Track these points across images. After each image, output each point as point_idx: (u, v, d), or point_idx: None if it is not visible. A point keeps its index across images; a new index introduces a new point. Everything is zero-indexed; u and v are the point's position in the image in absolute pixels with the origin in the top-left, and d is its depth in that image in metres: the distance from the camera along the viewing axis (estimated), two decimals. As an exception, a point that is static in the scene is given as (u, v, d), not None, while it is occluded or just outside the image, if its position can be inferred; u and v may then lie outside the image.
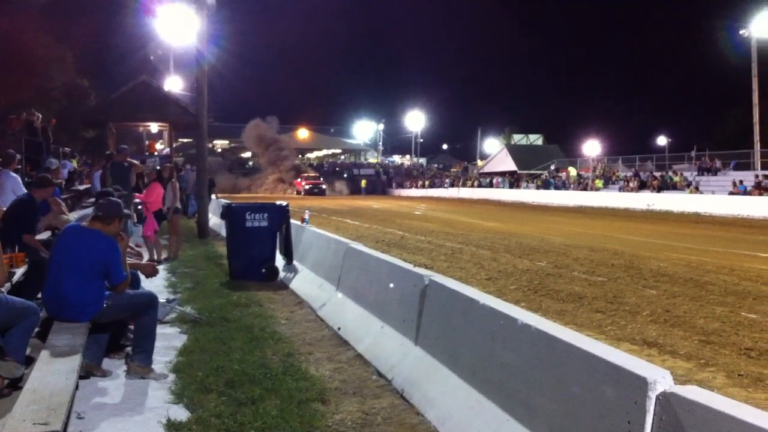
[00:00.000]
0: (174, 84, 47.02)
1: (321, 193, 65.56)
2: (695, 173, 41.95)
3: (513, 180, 59.83)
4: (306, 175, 73.14)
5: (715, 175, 40.85)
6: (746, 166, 41.10)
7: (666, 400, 2.94)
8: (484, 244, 17.07)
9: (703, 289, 10.34)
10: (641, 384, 3.04)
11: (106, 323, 5.85)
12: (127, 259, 6.27)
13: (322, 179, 71.77)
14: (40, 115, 17.52)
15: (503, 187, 57.91)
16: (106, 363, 6.04)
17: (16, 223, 7.64)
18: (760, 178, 34.68)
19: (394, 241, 17.77)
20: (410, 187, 73.50)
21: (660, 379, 3.01)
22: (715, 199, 34.41)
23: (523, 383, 4.02)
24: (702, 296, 9.79)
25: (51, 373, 4.34)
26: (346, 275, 8.31)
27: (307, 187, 66.57)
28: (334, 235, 10.21)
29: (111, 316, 5.80)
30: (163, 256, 13.51)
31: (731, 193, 34.86)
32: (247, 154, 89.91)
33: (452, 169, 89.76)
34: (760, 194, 32.88)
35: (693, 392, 2.89)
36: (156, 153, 35.40)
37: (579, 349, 3.58)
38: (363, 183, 73.76)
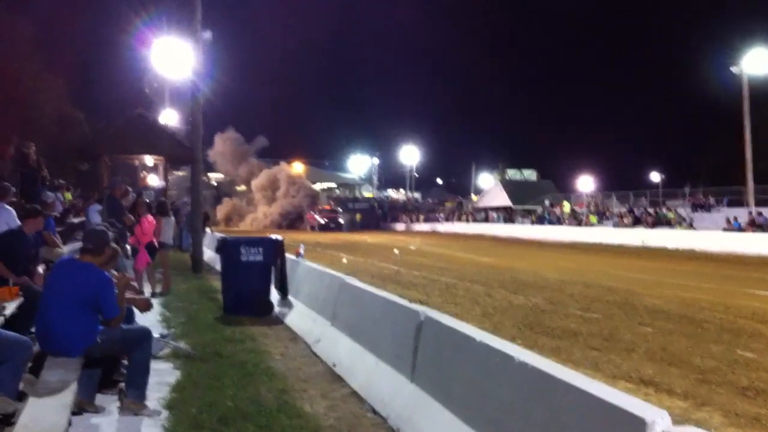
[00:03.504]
0: (169, 117, 47.19)
1: (338, 228, 59.35)
2: (689, 209, 42.09)
3: (507, 215, 59.91)
4: (320, 208, 67.24)
5: (709, 211, 40.97)
6: (739, 203, 41.24)
7: (664, 440, 2.92)
8: (478, 279, 17.05)
9: (698, 327, 10.33)
10: (639, 424, 3.02)
11: (99, 358, 5.80)
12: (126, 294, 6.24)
13: (340, 211, 66.33)
14: (34, 145, 17.49)
15: (498, 222, 57.93)
16: (99, 399, 5.97)
17: (2, 256, 7.57)
18: (754, 214, 34.77)
19: (389, 275, 17.74)
20: (405, 222, 73.24)
21: (658, 419, 3.00)
22: (710, 236, 34.44)
23: (519, 422, 3.99)
24: (697, 334, 9.78)
25: (43, 409, 4.31)
26: (340, 310, 8.28)
27: (322, 221, 60.56)
28: (328, 270, 10.19)
29: (104, 350, 5.76)
30: (158, 290, 13.46)
31: (725, 230, 34.94)
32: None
33: (447, 204, 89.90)
34: (754, 231, 32.96)
35: (691, 433, 2.88)
36: (149, 187, 35.37)
37: (575, 388, 3.56)
38: (358, 217, 72.47)
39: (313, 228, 60.71)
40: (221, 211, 69.40)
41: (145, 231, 13.08)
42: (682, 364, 7.91)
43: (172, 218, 14.80)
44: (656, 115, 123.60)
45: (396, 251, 14.31)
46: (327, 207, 68.63)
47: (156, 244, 13.46)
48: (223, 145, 75.81)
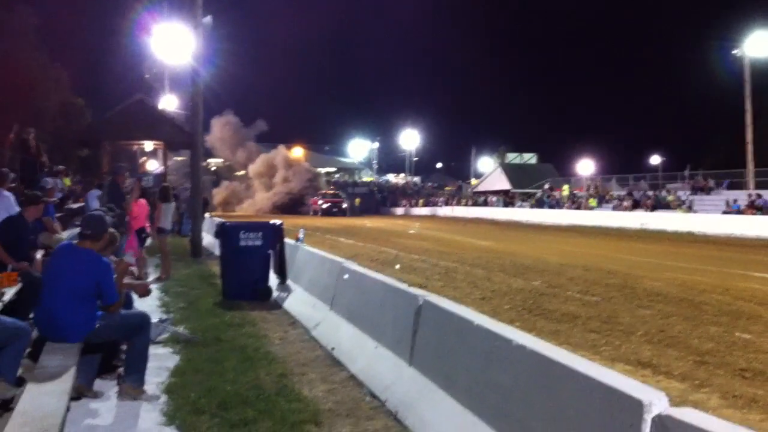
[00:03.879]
0: (169, 103, 47.11)
1: (341, 213, 58.82)
2: (688, 192, 42.08)
3: (507, 199, 59.89)
4: (324, 192, 66.68)
5: (709, 194, 40.96)
6: (739, 186, 41.24)
7: (662, 422, 2.92)
8: (478, 263, 17.06)
9: (697, 309, 10.34)
10: (637, 406, 3.03)
11: (98, 344, 5.80)
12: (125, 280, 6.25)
13: (343, 197, 65.74)
14: (33, 131, 17.47)
15: (497, 206, 57.92)
16: (98, 384, 5.99)
17: (4, 242, 7.59)
18: (753, 197, 34.75)
19: (388, 260, 17.74)
20: (405, 206, 73.21)
21: (656, 401, 3.00)
22: (709, 219, 34.46)
23: (518, 405, 4.00)
24: (696, 316, 9.79)
25: (42, 394, 4.31)
26: (340, 295, 8.29)
27: (324, 206, 59.61)
28: (328, 254, 10.19)
29: (103, 336, 5.76)
30: (153, 276, 13.48)
31: (725, 213, 34.94)
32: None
33: (446, 188, 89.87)
34: (754, 214, 32.96)
35: (688, 414, 2.88)
36: (149, 172, 35.35)
37: (574, 371, 3.57)
38: (357, 201, 72.29)
39: (316, 213, 60.09)
40: (219, 195, 68.50)
41: (134, 215, 13.00)
42: (681, 346, 7.92)
43: (173, 204, 14.78)
44: (657, 98, 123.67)
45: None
46: (330, 191, 67.70)
47: (148, 229, 13.46)
48: (221, 129, 75.20)
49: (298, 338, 8.31)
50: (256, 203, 69.05)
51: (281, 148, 75.48)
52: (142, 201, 13.47)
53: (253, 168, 73.01)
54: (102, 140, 30.57)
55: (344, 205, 61.20)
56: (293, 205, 66.28)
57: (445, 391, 4.92)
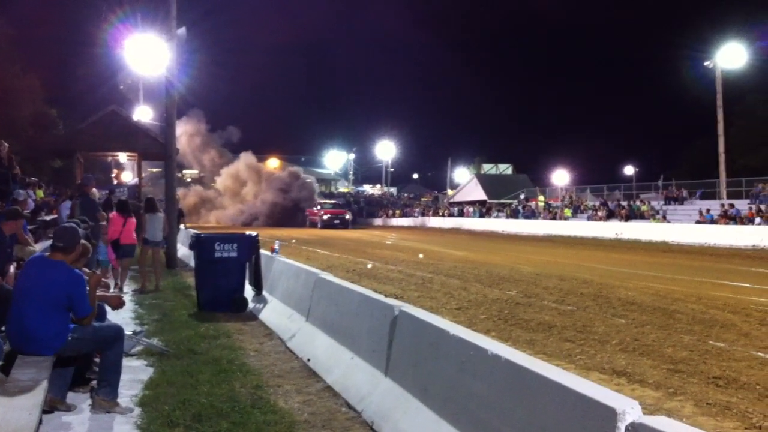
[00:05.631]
0: (144, 114, 46.92)
1: (344, 225, 53.52)
2: (662, 202, 42.52)
3: (483, 209, 60.13)
4: (324, 202, 61.00)
5: (682, 204, 41.42)
6: (712, 195, 41.76)
7: (635, 430, 2.94)
8: (454, 273, 17.10)
9: (671, 318, 10.43)
10: (610, 415, 3.04)
11: (71, 356, 5.75)
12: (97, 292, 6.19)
13: (347, 209, 60.61)
14: (7, 145, 17.32)
15: (474, 217, 58.12)
16: (71, 397, 5.92)
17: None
18: (726, 207, 35.18)
19: (364, 270, 17.74)
20: (382, 217, 73.14)
21: (629, 409, 3.02)
22: (682, 228, 34.83)
23: (493, 415, 4.01)
24: (670, 325, 9.87)
25: (14, 408, 4.26)
26: (316, 306, 8.27)
27: (325, 217, 53.88)
28: (304, 265, 10.16)
29: (76, 349, 5.71)
30: (133, 287, 13.45)
31: (698, 222, 35.32)
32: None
33: (423, 199, 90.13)
34: (726, 223, 33.35)
35: (662, 422, 2.90)
36: (123, 184, 35.12)
37: (548, 380, 3.58)
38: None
39: (314, 225, 54.96)
40: (188, 201, 60.95)
41: (110, 229, 13.15)
42: (655, 354, 7.98)
43: (161, 214, 14.70)
44: (631, 109, 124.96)
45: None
46: (331, 201, 63.57)
47: (121, 242, 13.42)
48: (183, 128, 65.81)
49: (273, 349, 8.28)
50: (227, 214, 63.07)
51: (243, 157, 69.26)
52: (113, 214, 13.47)
53: (220, 180, 68.30)
54: (75, 151, 30.37)
55: (348, 217, 56.10)
56: (285, 217, 59.91)
57: (421, 401, 4.91)
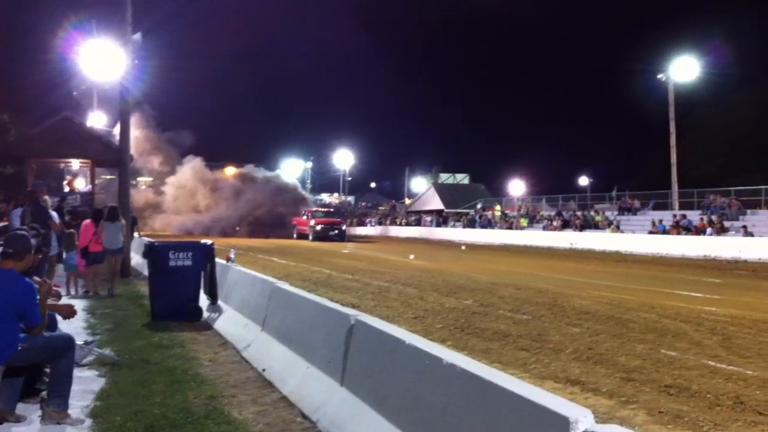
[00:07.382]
0: (97, 120, 46.23)
1: (340, 237, 46.22)
2: (616, 213, 43.14)
3: (440, 219, 60.39)
4: (315, 210, 52.74)
5: (635, 214, 42.04)
6: (665, 206, 42.45)
7: (588, 439, 2.97)
8: (411, 282, 17.12)
9: (624, 327, 10.57)
10: (563, 423, 3.06)
11: (20, 366, 5.61)
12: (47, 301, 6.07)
13: (341, 218, 53.91)
14: None
15: (431, 226, 58.34)
16: (21, 408, 5.78)
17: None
18: (678, 217, 35.81)
19: (321, 279, 17.67)
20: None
21: (581, 418, 3.04)
22: (636, 239, 35.38)
23: (450, 424, 4.00)
24: (623, 333, 10.00)
25: (-42, 421, 4.15)
26: (271, 315, 8.20)
27: (318, 228, 45.76)
28: (260, 274, 10.08)
29: (26, 359, 5.58)
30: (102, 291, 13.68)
31: (651, 232, 35.88)
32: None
33: (381, 208, 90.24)
34: (679, 233, 33.94)
35: (614, 431, 2.93)
36: (76, 191, 34.53)
37: (503, 389, 3.59)
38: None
39: (303, 236, 47.43)
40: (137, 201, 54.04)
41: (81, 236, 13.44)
42: (608, 363, 8.08)
43: (121, 222, 14.62)
44: (585, 121, 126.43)
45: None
46: (323, 210, 56.46)
47: (90, 249, 13.51)
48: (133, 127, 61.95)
49: (228, 359, 8.19)
50: (178, 221, 56.20)
51: (191, 162, 62.45)
52: (89, 222, 13.61)
53: (168, 186, 62.18)
54: (27, 157, 29.86)
55: (344, 227, 49.17)
56: (266, 226, 52.35)
57: (377, 411, 4.89)
